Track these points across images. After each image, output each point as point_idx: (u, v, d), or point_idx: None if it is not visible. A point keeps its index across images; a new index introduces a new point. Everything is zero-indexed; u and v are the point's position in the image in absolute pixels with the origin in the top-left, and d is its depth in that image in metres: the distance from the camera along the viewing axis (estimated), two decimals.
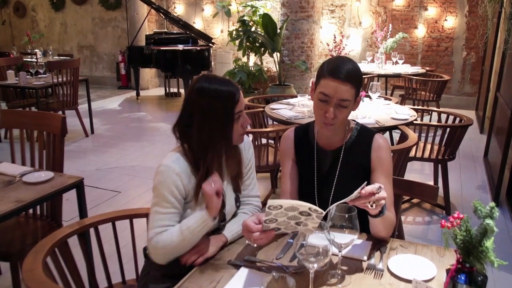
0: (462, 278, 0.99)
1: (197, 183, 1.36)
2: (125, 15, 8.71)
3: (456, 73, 6.96)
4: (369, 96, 3.39)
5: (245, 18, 6.73)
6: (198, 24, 8.42)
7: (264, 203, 3.59)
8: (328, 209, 1.19)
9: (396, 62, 5.94)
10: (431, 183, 3.48)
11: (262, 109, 3.45)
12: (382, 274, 1.22)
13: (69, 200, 2.30)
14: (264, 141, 3.35)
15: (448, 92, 6.84)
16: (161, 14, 7.42)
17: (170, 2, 8.67)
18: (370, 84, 3.35)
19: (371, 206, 1.19)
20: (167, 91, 8.24)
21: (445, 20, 6.83)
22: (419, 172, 4.20)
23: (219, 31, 8.40)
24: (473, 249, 0.98)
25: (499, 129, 4.09)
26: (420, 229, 3.12)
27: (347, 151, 1.52)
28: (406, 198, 3.39)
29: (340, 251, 1.17)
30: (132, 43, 7.58)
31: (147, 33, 7.96)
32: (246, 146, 1.54)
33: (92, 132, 5.54)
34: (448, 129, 3.17)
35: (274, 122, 3.37)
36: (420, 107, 4.87)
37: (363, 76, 5.01)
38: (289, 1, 6.35)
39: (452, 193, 3.44)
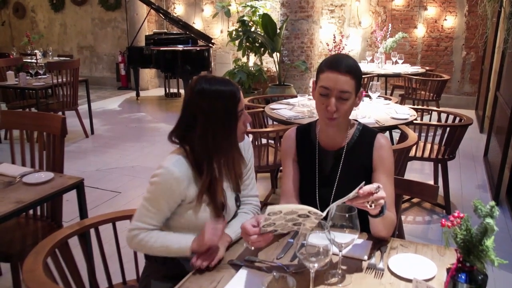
0: (463, 277, 0.99)
1: (201, 187, 1.36)
2: (124, 16, 8.71)
3: (456, 72, 6.96)
4: (369, 96, 3.39)
5: (245, 18, 6.73)
6: (197, 24, 8.43)
7: (263, 203, 3.59)
8: (327, 209, 1.19)
9: (396, 62, 5.94)
10: (431, 182, 3.49)
11: (262, 109, 3.45)
12: (382, 274, 1.22)
13: (69, 200, 2.29)
14: (264, 141, 3.36)
15: (448, 92, 6.84)
16: (161, 15, 7.42)
17: (170, 3, 8.67)
18: (370, 84, 3.35)
19: (370, 206, 1.19)
20: (167, 91, 8.24)
21: (445, 19, 6.83)
22: (419, 172, 4.20)
23: (219, 32, 8.40)
24: (474, 248, 0.98)
25: (499, 128, 4.09)
26: (420, 228, 3.12)
27: (349, 151, 1.52)
28: (406, 197, 3.39)
29: (340, 251, 1.17)
30: (132, 43, 7.58)
31: (147, 34, 7.96)
32: (246, 146, 1.54)
33: (92, 132, 5.54)
34: (448, 129, 3.17)
35: (274, 122, 3.37)
36: (420, 106, 4.86)
37: (363, 76, 5.04)
38: (288, 1, 6.36)
39: (452, 192, 3.44)
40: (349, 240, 1.15)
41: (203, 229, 1.41)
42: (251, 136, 3.15)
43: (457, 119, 3.35)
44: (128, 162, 4.51)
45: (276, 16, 7.06)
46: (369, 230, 1.38)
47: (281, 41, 6.41)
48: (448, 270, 1.04)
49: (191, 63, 6.58)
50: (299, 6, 6.33)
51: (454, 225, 1.01)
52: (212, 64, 7.24)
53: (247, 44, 6.62)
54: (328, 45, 6.73)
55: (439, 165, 3.39)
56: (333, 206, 1.18)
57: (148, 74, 8.79)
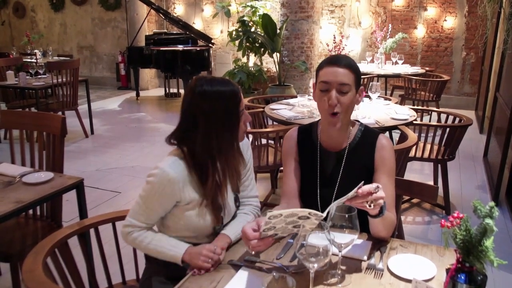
0: (462, 277, 0.99)
1: (207, 190, 1.36)
2: (124, 16, 8.71)
3: (456, 73, 6.96)
4: (369, 96, 3.39)
5: (245, 18, 6.73)
6: (197, 24, 8.43)
7: (263, 203, 3.58)
8: (327, 209, 1.19)
9: (396, 62, 5.95)
10: (431, 183, 3.48)
11: (262, 109, 3.45)
12: (382, 274, 1.22)
13: (69, 200, 2.30)
14: (264, 141, 3.36)
15: (448, 92, 6.84)
16: (161, 15, 7.42)
17: (170, 3, 8.67)
18: (370, 84, 3.35)
19: (369, 206, 1.19)
20: (167, 91, 8.24)
21: (445, 20, 6.83)
22: (419, 172, 4.20)
23: (219, 32, 8.40)
24: (473, 248, 0.98)
25: (498, 129, 4.10)
26: (420, 229, 3.12)
27: (351, 152, 1.52)
28: (406, 198, 3.39)
29: (340, 251, 1.17)
30: (131, 43, 7.58)
31: (147, 34, 7.96)
32: (245, 147, 1.53)
33: (92, 132, 5.54)
34: (447, 129, 3.17)
35: (274, 123, 3.37)
36: (419, 107, 4.87)
37: (363, 77, 5.04)
38: (288, 1, 6.36)
39: (451, 193, 3.44)
40: (348, 241, 1.15)
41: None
42: (251, 136, 3.15)
43: (457, 119, 3.35)
44: (128, 162, 4.51)
45: (276, 16, 7.06)
46: (369, 230, 1.38)
47: (281, 41, 6.41)
48: (447, 270, 1.04)
49: (191, 63, 6.58)
50: (299, 7, 6.33)
51: (454, 226, 1.01)
52: (212, 64, 7.24)
53: (247, 44, 6.62)
54: (328, 46, 6.74)
55: (439, 165, 3.39)
56: (332, 206, 1.18)
57: (148, 74, 8.79)
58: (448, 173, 3.34)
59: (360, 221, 1.18)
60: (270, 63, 7.47)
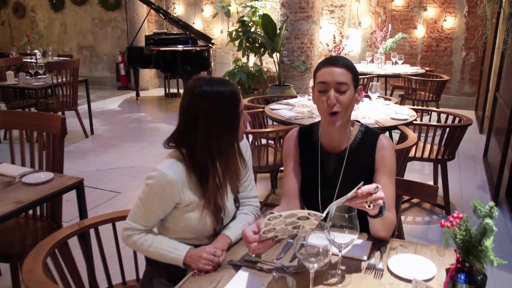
0: (462, 277, 1.00)
1: (204, 191, 1.36)
2: (124, 16, 8.71)
3: (456, 73, 6.96)
4: (368, 96, 3.39)
5: (245, 18, 6.73)
6: (197, 24, 8.43)
7: (263, 203, 3.58)
8: (326, 210, 1.19)
9: (396, 62, 5.95)
10: (431, 183, 3.49)
11: (262, 109, 3.45)
12: (382, 274, 1.22)
13: (69, 201, 2.29)
14: (264, 141, 3.36)
15: (448, 92, 6.84)
16: (161, 15, 7.42)
17: (170, 3, 8.67)
18: (370, 84, 3.35)
19: (369, 206, 1.19)
20: (167, 91, 8.24)
21: (444, 20, 6.84)
22: (418, 172, 4.20)
23: (219, 32, 8.40)
24: (473, 248, 0.98)
25: (498, 129, 4.10)
26: (420, 228, 3.12)
27: (352, 153, 1.52)
28: (406, 198, 3.39)
29: (340, 251, 1.17)
30: (131, 43, 7.58)
31: (147, 34, 7.96)
32: (244, 147, 1.53)
33: (92, 132, 5.54)
34: (447, 129, 3.17)
35: (274, 123, 3.37)
36: (419, 107, 4.87)
37: (363, 77, 5.04)
38: (288, 1, 6.36)
39: (451, 193, 3.44)
40: (348, 241, 1.15)
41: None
42: (251, 136, 3.15)
43: (457, 119, 3.35)
44: (128, 162, 4.51)
45: (276, 16, 7.06)
46: (369, 230, 1.39)
47: (281, 41, 6.41)
48: (447, 270, 1.04)
49: (191, 63, 6.58)
50: (299, 7, 6.33)
51: (454, 226, 1.01)
52: (212, 64, 7.24)
53: (247, 44, 6.62)
54: (328, 46, 6.74)
55: (439, 165, 3.39)
56: (332, 207, 1.18)
57: (148, 74, 8.79)
58: (448, 173, 3.34)
59: (360, 221, 1.18)
60: (270, 63, 7.47)
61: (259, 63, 6.98)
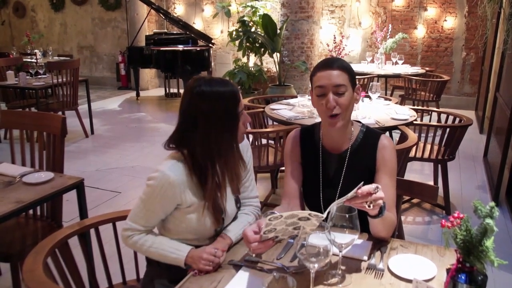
0: (463, 277, 1.00)
1: (207, 193, 1.36)
2: (125, 16, 8.71)
3: (456, 73, 6.96)
4: (369, 97, 3.39)
5: (245, 18, 6.73)
6: (198, 24, 8.43)
7: (263, 203, 3.57)
8: (327, 210, 1.19)
9: (396, 63, 5.95)
10: (431, 183, 3.49)
11: (262, 109, 3.45)
12: (382, 274, 1.22)
13: (69, 200, 2.29)
14: (264, 141, 3.36)
15: (448, 93, 6.84)
16: (161, 15, 7.42)
17: (170, 3, 8.67)
18: (370, 85, 3.35)
19: (369, 206, 1.19)
20: (167, 91, 8.24)
21: (445, 20, 6.83)
22: (419, 172, 4.20)
23: (219, 32, 8.40)
24: (473, 248, 0.98)
25: (498, 129, 4.10)
26: (420, 229, 3.12)
27: (353, 154, 1.52)
28: (406, 198, 3.39)
29: (340, 251, 1.17)
30: (132, 43, 7.58)
31: (147, 34, 7.96)
32: (245, 148, 1.53)
33: (92, 132, 5.54)
34: (447, 129, 3.17)
35: (274, 123, 3.37)
36: (420, 107, 4.87)
37: (363, 77, 5.04)
38: (289, 1, 6.36)
39: (452, 193, 3.44)
40: (349, 241, 1.15)
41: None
42: (251, 136, 3.15)
43: (457, 119, 3.35)
44: (128, 162, 4.51)
45: (276, 16, 7.06)
46: (369, 230, 1.39)
47: (281, 41, 6.41)
48: (448, 270, 1.04)
49: (191, 63, 6.58)
50: (299, 7, 6.33)
51: (454, 226, 1.01)
52: (212, 64, 7.24)
53: (247, 44, 6.62)
54: (328, 46, 6.74)
55: (439, 165, 3.39)
56: (332, 207, 1.18)
57: (148, 74, 8.79)
58: (448, 173, 3.34)
59: (360, 221, 1.18)
60: (270, 63, 7.47)
61: (259, 63, 6.99)
